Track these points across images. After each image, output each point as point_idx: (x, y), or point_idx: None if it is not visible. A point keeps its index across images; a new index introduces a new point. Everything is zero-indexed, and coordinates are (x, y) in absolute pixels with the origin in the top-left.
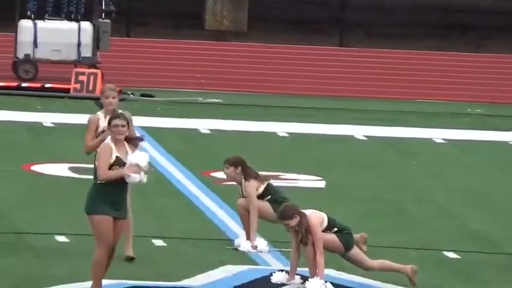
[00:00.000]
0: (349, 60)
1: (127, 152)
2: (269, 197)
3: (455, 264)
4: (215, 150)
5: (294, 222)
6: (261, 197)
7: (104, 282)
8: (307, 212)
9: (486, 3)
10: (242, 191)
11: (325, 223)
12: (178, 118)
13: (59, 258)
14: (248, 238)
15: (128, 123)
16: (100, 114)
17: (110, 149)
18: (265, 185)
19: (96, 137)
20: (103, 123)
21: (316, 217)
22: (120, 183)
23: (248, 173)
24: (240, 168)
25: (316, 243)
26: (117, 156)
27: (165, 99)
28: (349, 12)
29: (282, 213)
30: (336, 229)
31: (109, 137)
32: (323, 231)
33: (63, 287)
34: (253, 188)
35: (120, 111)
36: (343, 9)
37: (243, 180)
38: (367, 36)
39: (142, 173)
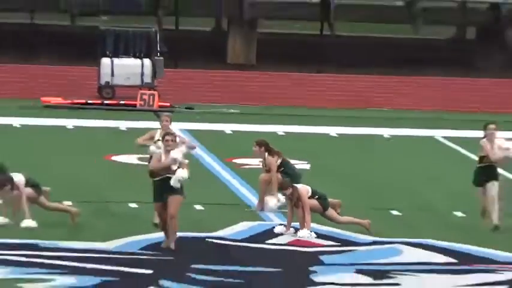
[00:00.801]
0: (325, 83)
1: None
2: (282, 169)
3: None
4: (235, 144)
5: (288, 191)
6: (277, 168)
7: (155, 235)
8: (299, 186)
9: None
10: (265, 165)
11: (310, 193)
12: (209, 123)
13: (131, 219)
14: (262, 208)
15: (175, 138)
16: (158, 130)
17: (160, 156)
18: (281, 159)
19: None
20: (157, 136)
21: (304, 189)
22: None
23: (270, 150)
24: (263, 147)
25: (304, 207)
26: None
27: (201, 111)
28: (325, 49)
29: (280, 185)
30: (317, 196)
31: (162, 147)
32: (308, 198)
33: (133, 238)
34: (274, 161)
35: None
36: (320, 46)
37: (266, 155)
38: (340, 66)
39: (180, 171)
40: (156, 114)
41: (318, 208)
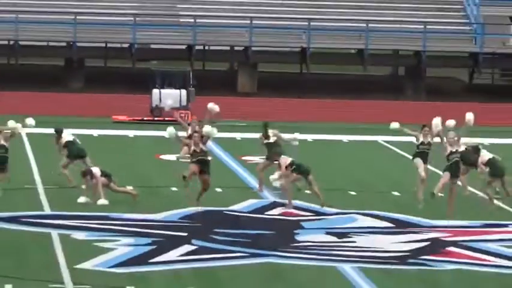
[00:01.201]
0: (304, 105)
1: None
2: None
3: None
4: (243, 147)
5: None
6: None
7: (189, 209)
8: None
9: (369, 76)
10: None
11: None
12: (225, 132)
13: (172, 198)
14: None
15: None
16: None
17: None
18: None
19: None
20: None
21: (285, 160)
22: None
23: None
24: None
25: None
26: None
27: (220, 124)
28: (304, 82)
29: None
30: (294, 167)
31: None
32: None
33: (174, 211)
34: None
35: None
36: (300, 80)
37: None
38: (314, 94)
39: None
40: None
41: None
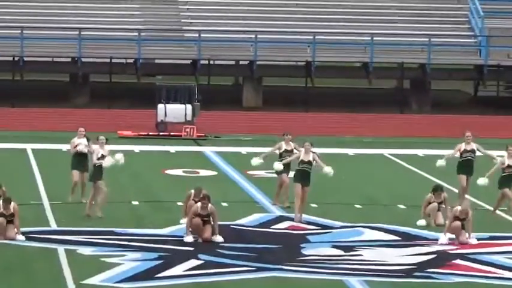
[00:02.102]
0: (309, 117)
1: None
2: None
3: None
4: (249, 161)
5: None
6: None
7: None
8: None
9: (374, 90)
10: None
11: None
12: (231, 146)
13: (178, 213)
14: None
15: None
16: None
17: None
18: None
19: None
20: None
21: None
22: None
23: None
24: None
25: None
26: None
27: (225, 138)
28: (309, 96)
29: None
30: None
31: None
32: None
33: (180, 226)
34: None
35: None
36: (305, 94)
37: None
38: (319, 107)
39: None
40: (195, 141)
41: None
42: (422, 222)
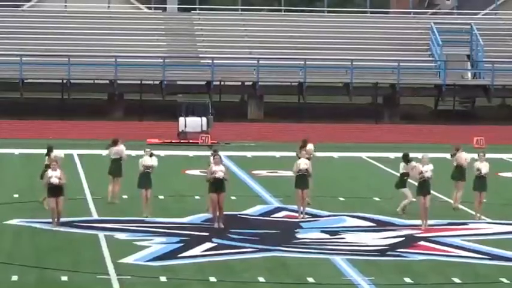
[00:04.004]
0: (301, 128)
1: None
2: None
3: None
4: (253, 163)
5: None
6: None
7: (210, 214)
8: None
9: (354, 105)
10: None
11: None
12: (238, 151)
13: (196, 205)
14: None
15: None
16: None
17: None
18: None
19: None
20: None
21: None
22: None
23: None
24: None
25: None
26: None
27: (234, 144)
28: (301, 110)
29: None
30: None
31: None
32: None
33: (197, 215)
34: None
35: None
36: (298, 109)
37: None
38: (309, 119)
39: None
40: (209, 147)
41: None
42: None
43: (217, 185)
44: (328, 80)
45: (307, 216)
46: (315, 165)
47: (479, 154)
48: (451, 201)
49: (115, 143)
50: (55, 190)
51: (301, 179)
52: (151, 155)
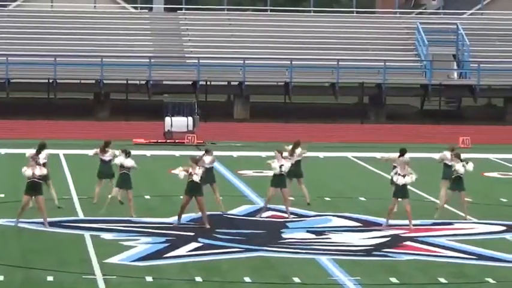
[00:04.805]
0: (288, 127)
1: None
2: None
3: (328, 202)
4: (239, 163)
5: None
6: None
7: (196, 214)
8: None
9: (340, 105)
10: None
11: None
12: (224, 151)
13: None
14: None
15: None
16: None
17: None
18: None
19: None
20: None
21: None
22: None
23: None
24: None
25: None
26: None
27: (220, 144)
28: (287, 110)
29: None
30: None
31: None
32: None
33: (183, 215)
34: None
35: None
36: (284, 108)
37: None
38: (295, 119)
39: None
40: (196, 146)
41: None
42: None
43: (192, 188)
44: (314, 80)
45: (292, 216)
46: (300, 164)
47: (451, 154)
48: (438, 201)
49: (107, 145)
50: (35, 187)
51: (280, 179)
52: (127, 155)
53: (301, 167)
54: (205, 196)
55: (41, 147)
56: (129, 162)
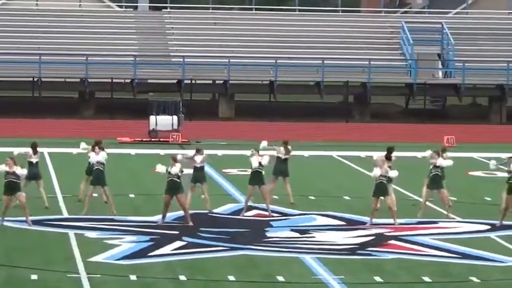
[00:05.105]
0: (272, 127)
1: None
2: None
3: (313, 201)
4: (223, 161)
5: None
6: None
7: (180, 212)
8: None
9: (325, 103)
10: None
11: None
12: (208, 149)
13: None
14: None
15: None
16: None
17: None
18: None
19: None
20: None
21: None
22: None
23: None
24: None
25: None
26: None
27: (205, 143)
28: (272, 108)
29: None
30: None
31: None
32: None
33: (168, 214)
34: None
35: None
36: (269, 107)
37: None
38: (279, 117)
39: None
40: (180, 145)
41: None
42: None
43: (171, 187)
44: (299, 79)
45: (274, 214)
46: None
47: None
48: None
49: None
50: (12, 186)
51: (256, 176)
52: (100, 150)
53: (288, 166)
54: (194, 195)
55: (34, 146)
56: (97, 158)
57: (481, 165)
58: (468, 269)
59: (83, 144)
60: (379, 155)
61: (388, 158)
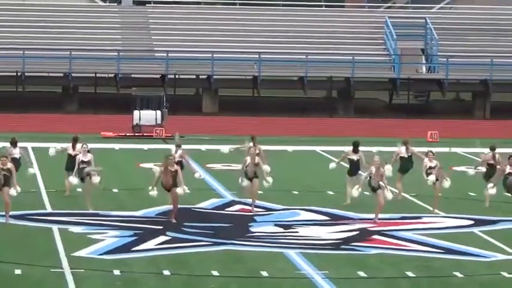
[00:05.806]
0: (255, 122)
1: None
2: None
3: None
4: (207, 156)
5: None
6: None
7: (164, 207)
8: None
9: (309, 99)
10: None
11: None
12: (193, 144)
13: (151, 198)
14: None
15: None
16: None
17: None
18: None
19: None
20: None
21: None
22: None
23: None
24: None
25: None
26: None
27: (190, 138)
28: (255, 103)
29: None
30: None
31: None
32: None
33: (152, 209)
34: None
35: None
36: (252, 102)
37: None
38: (263, 112)
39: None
40: (164, 140)
41: None
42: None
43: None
44: (282, 74)
45: (258, 209)
46: (269, 158)
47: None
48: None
49: (75, 140)
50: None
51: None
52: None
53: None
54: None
55: (14, 143)
56: (84, 159)
57: (464, 161)
58: (452, 264)
59: (51, 150)
60: (348, 148)
61: (354, 151)
